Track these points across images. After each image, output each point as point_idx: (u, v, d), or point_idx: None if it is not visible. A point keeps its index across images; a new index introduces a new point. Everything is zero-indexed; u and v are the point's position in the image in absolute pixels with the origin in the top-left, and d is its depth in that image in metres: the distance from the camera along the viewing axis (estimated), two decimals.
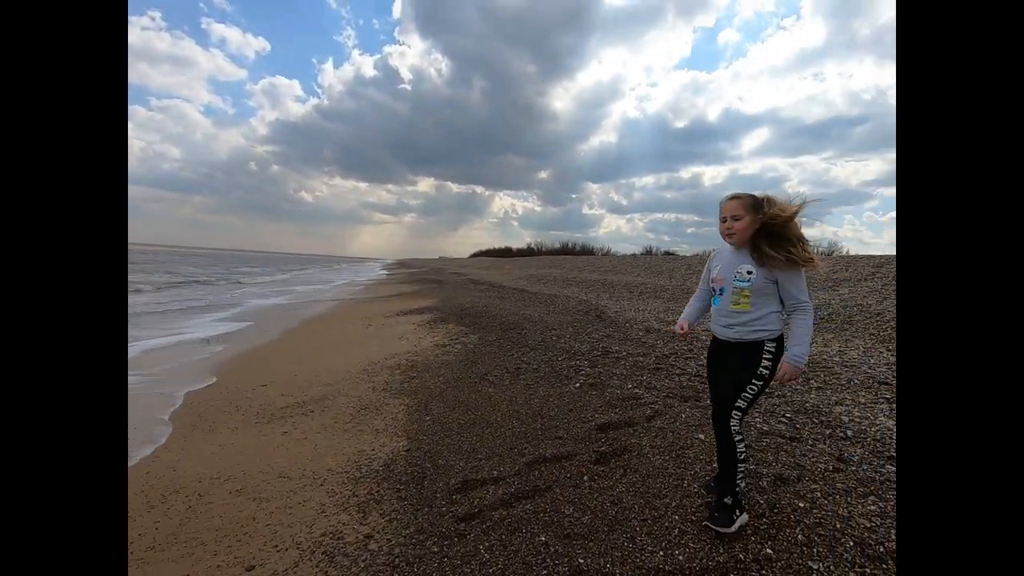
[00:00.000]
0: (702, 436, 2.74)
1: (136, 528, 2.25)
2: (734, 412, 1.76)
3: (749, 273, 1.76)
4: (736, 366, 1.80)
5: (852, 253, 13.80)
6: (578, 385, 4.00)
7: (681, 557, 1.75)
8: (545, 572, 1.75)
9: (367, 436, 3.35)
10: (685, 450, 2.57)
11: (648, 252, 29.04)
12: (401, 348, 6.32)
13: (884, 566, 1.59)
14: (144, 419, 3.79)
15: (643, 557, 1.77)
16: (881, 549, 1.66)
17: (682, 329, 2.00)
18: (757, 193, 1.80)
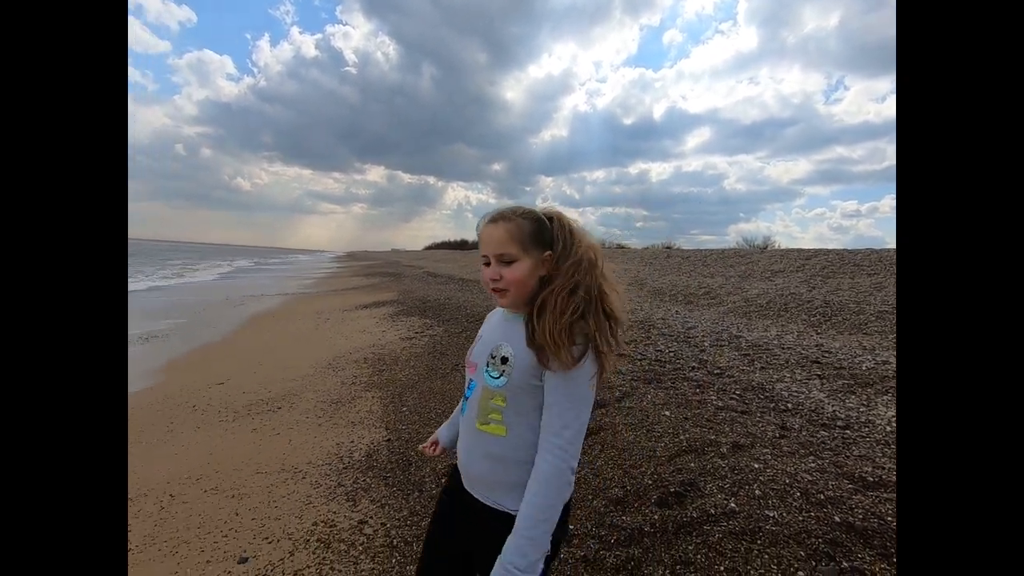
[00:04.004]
0: (668, 413, 3.00)
1: None
2: None
3: (505, 361, 0.90)
4: (478, 548, 0.93)
5: (783, 247, 15.13)
6: None
7: (656, 517, 1.95)
8: None
9: (343, 429, 3.33)
10: (654, 425, 2.82)
11: (601, 244, 29.97)
12: (365, 342, 6.22)
13: (824, 510, 1.88)
14: None
15: (623, 518, 1.96)
16: (821, 497, 1.95)
17: (433, 449, 1.15)
18: (541, 207, 0.97)
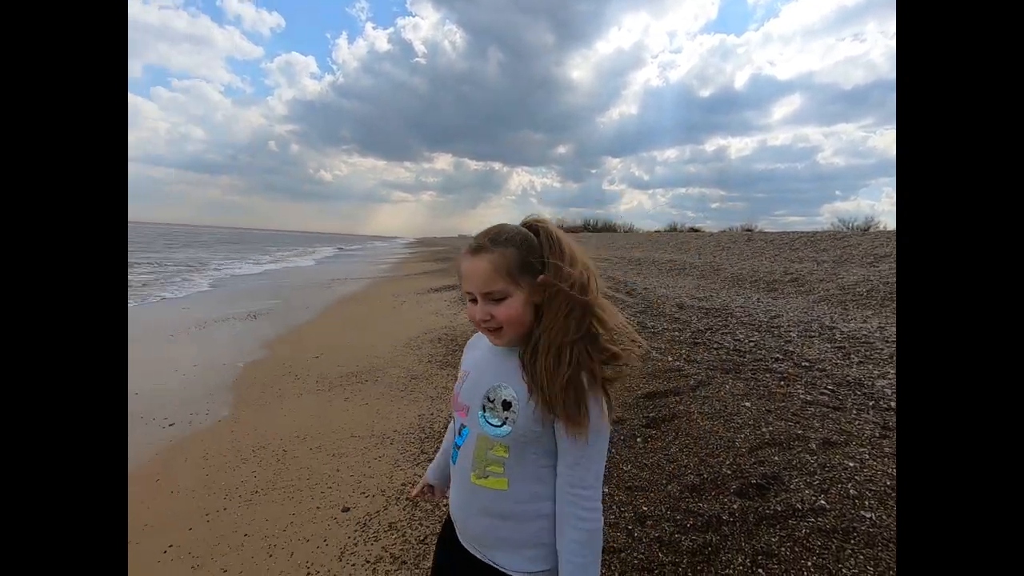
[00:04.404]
0: (748, 404, 2.87)
1: (238, 476, 2.54)
2: None
3: (508, 406, 0.78)
4: None
5: (891, 228, 13.31)
6: None
7: (735, 507, 1.91)
8: (612, 518, 1.95)
9: (423, 402, 3.60)
10: (733, 416, 2.71)
11: (672, 228, 28.56)
12: (438, 323, 6.58)
13: None
14: (213, 387, 4.13)
15: (699, 505, 1.94)
16: None
17: (424, 493, 1.05)
18: (526, 218, 0.84)
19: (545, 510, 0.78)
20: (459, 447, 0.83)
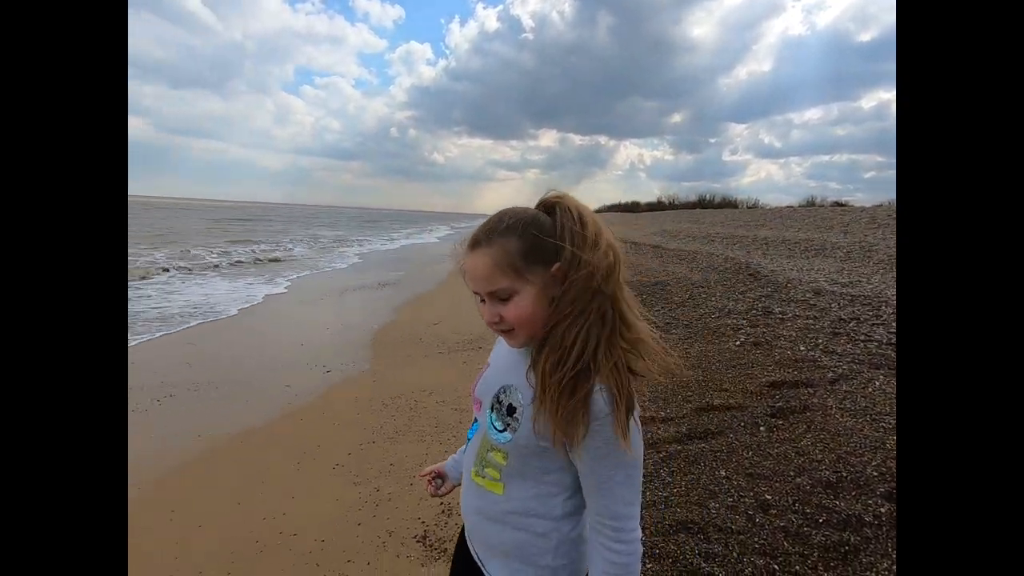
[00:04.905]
0: None
1: (381, 418, 3.01)
2: None
3: (512, 412, 0.71)
4: None
5: None
6: (738, 343, 3.86)
7: (883, 510, 1.71)
8: (731, 501, 1.89)
9: None
10: (884, 416, 2.38)
11: (810, 203, 24.67)
12: None
13: None
14: (356, 343, 4.84)
15: (835, 502, 1.78)
16: None
17: (432, 485, 0.96)
18: (551, 195, 0.71)
19: (537, 528, 0.69)
20: (469, 440, 0.79)
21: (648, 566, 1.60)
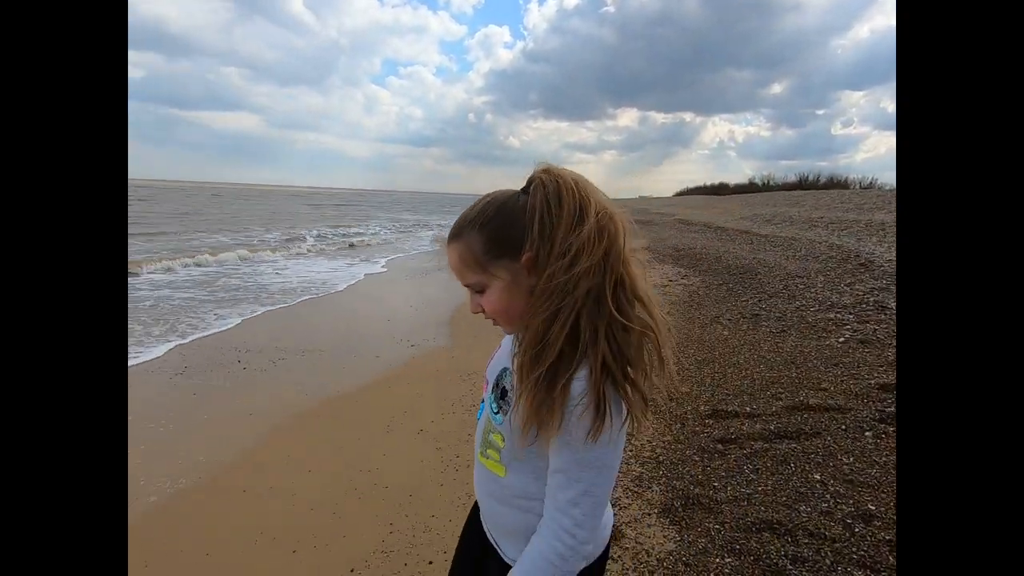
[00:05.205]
0: None
1: (460, 390, 3.20)
2: None
3: (504, 395, 0.71)
4: None
5: None
6: (842, 340, 3.48)
7: None
8: (825, 506, 1.75)
9: None
10: None
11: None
12: None
13: None
14: (436, 320, 5.13)
15: None
16: None
17: None
18: (537, 169, 0.65)
19: (539, 510, 0.67)
20: (478, 419, 0.78)
21: (726, 560, 1.55)
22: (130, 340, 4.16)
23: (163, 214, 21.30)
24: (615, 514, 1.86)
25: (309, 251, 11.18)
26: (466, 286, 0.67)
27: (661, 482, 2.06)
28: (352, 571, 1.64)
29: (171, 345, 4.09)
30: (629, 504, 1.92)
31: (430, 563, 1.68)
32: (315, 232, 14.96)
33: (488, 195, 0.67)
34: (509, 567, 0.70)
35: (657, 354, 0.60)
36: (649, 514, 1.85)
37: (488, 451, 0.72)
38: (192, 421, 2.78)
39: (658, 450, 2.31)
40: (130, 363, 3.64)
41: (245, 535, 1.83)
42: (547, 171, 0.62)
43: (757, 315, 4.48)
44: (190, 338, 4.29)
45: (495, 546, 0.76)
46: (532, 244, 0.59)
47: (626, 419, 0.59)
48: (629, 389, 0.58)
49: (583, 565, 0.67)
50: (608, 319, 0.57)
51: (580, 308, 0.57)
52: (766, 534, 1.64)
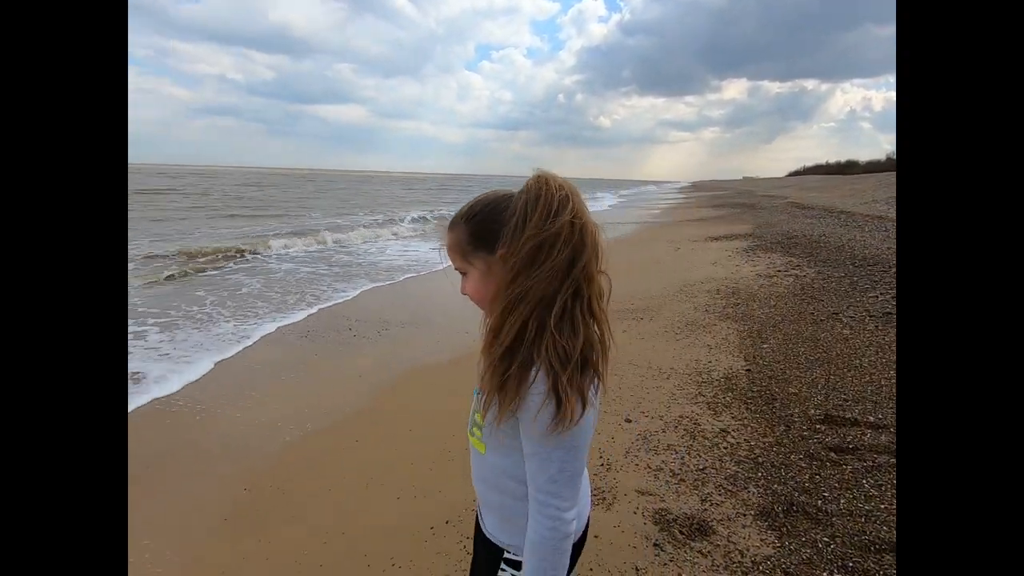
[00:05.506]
0: None
1: None
2: None
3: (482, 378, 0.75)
4: (477, 563, 0.88)
5: None
6: None
7: None
8: None
9: (699, 349, 3.56)
10: None
11: None
12: (716, 274, 6.12)
13: None
14: None
15: None
16: None
17: None
18: (533, 175, 0.69)
19: (515, 491, 0.73)
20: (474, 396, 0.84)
21: (836, 575, 1.42)
22: (272, 307, 4.93)
23: (285, 199, 24.39)
24: (705, 510, 1.79)
25: (412, 233, 12.06)
26: (456, 269, 0.76)
27: (759, 484, 1.93)
28: (447, 522, 1.81)
29: (310, 311, 4.75)
30: (722, 501, 1.84)
31: None
32: (413, 215, 16.04)
33: (482, 195, 0.76)
34: (488, 539, 0.79)
35: (595, 369, 0.66)
36: (744, 514, 1.76)
37: (473, 429, 0.78)
38: (316, 377, 3.23)
39: (756, 450, 2.16)
40: (275, 324, 4.31)
41: (357, 478, 2.11)
42: (538, 178, 0.67)
43: (889, 313, 3.88)
44: (316, 307, 4.92)
45: (479, 517, 0.84)
46: (505, 242, 0.66)
47: (586, 408, 0.64)
48: (567, 387, 0.62)
49: (568, 548, 0.70)
50: (555, 324, 0.63)
51: (532, 310, 0.63)
52: (887, 556, 1.47)
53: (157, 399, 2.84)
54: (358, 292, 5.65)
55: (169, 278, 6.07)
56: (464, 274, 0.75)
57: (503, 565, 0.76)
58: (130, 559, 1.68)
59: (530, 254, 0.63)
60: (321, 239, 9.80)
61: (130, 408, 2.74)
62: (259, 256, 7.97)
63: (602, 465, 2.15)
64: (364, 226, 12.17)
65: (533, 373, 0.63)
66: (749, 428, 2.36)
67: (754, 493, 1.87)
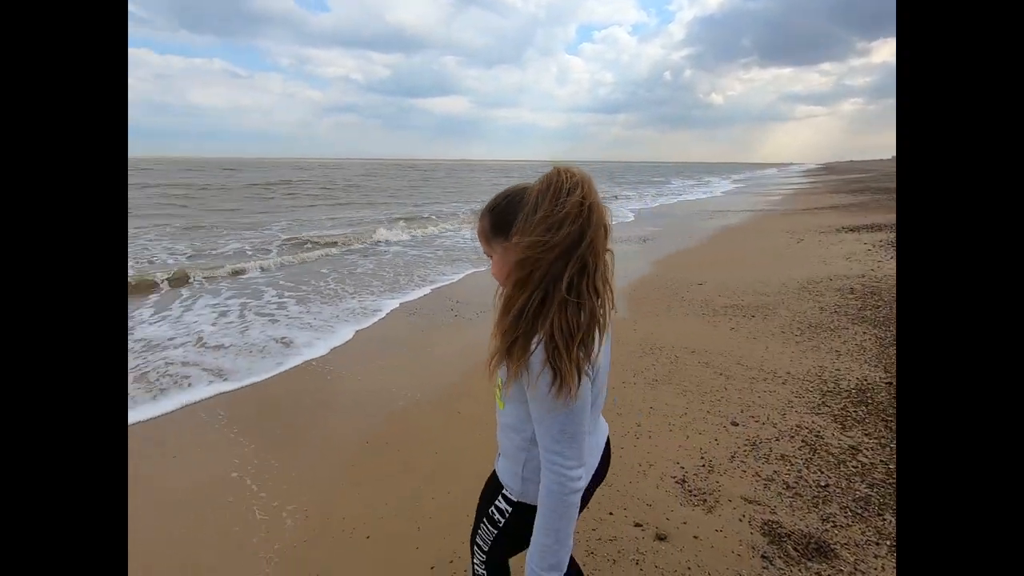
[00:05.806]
0: None
1: (641, 364, 3.17)
2: (475, 550, 1.00)
3: None
4: (487, 489, 1.02)
5: None
6: None
7: None
8: None
9: (824, 354, 3.15)
10: None
11: None
12: (850, 270, 5.30)
13: None
14: (616, 293, 5.11)
15: None
16: None
17: None
18: (559, 168, 0.73)
19: (517, 442, 0.86)
20: None
21: None
22: (386, 286, 5.50)
23: (394, 188, 26.61)
24: (826, 530, 1.61)
25: None
26: (484, 254, 0.88)
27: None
28: None
29: (427, 290, 5.21)
30: (848, 524, 1.64)
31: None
32: None
33: (510, 187, 0.85)
34: (497, 476, 0.94)
35: (590, 340, 0.72)
36: (877, 543, 1.55)
37: (496, 386, 0.90)
38: (422, 352, 3.54)
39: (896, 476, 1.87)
40: (397, 301, 4.82)
41: (459, 446, 2.28)
42: (555, 170, 0.73)
43: None
44: (428, 287, 5.36)
45: (496, 458, 0.98)
46: (519, 227, 0.74)
47: (582, 379, 0.71)
48: (566, 360, 0.69)
49: (577, 501, 0.77)
50: (562, 297, 0.70)
51: (539, 283, 0.71)
52: None
53: (308, 360, 3.38)
54: (462, 276, 6.00)
55: (302, 256, 7.10)
56: (490, 258, 0.86)
57: (499, 499, 0.92)
58: (272, 497, 2.03)
59: (540, 233, 0.70)
60: (423, 225, 10.58)
61: (285, 368, 3.30)
62: (370, 241, 8.87)
63: (703, 466, 2.05)
64: (462, 213, 12.81)
65: (535, 343, 0.71)
66: (887, 449, 2.05)
67: (890, 522, 1.64)
